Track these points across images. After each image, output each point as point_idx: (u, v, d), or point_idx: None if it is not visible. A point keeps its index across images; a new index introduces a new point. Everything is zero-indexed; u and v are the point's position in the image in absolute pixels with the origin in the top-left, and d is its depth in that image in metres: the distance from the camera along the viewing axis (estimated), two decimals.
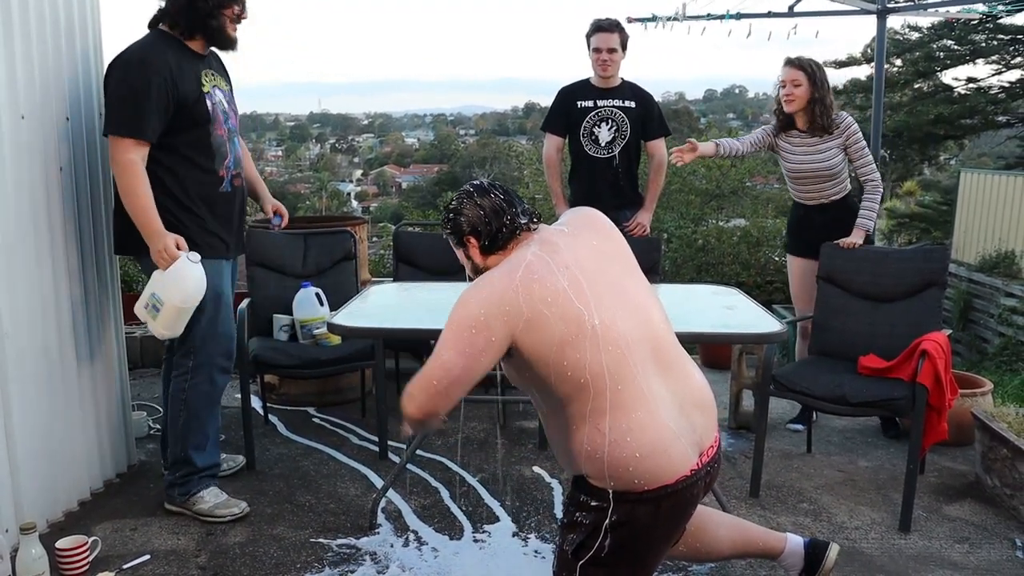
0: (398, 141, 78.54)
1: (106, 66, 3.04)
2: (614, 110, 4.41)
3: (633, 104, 4.43)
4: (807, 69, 3.90)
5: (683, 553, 2.47)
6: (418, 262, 4.55)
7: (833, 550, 2.51)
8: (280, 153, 72.30)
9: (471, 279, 2.17)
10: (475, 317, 1.97)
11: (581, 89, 4.50)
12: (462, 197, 2.20)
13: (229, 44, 3.12)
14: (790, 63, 3.97)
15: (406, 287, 3.83)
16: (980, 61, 17.93)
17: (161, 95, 2.91)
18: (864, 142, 3.98)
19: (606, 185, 4.43)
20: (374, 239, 19.50)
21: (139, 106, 2.90)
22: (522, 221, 2.17)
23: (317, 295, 3.98)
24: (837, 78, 19.54)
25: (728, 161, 15.56)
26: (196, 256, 2.97)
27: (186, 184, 3.04)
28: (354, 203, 47.26)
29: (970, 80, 18.52)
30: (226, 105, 3.18)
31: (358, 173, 64.39)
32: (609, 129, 4.40)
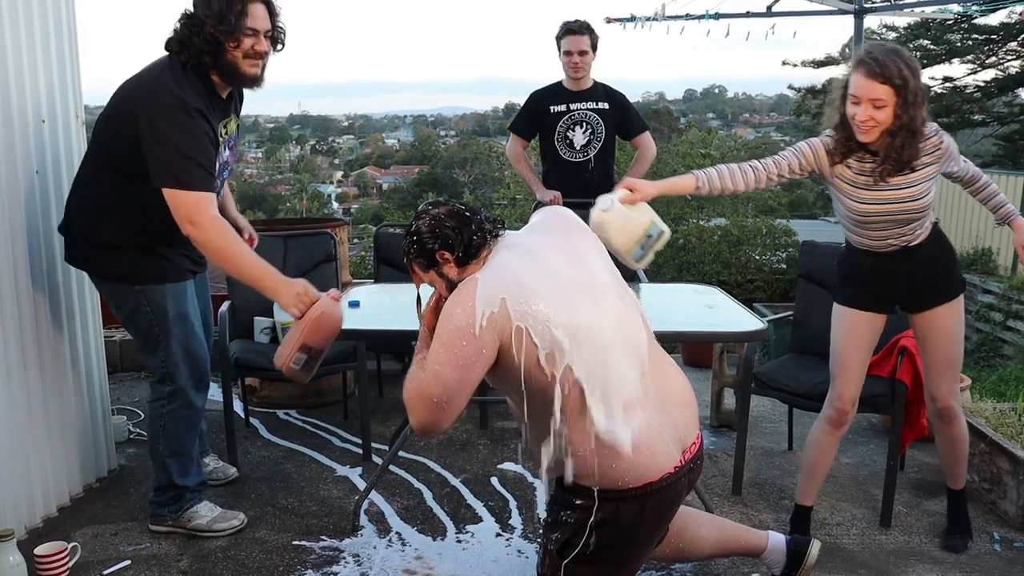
0: (378, 142, 78.35)
1: (135, 105, 2.70)
2: (588, 112, 4.41)
3: (607, 105, 4.44)
4: (895, 82, 2.51)
5: (666, 553, 2.48)
6: (400, 263, 4.53)
7: (815, 547, 2.53)
8: (260, 155, 71.97)
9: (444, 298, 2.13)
10: (463, 329, 1.96)
11: (553, 93, 4.50)
12: (421, 217, 2.17)
13: (246, 82, 2.82)
14: (871, 72, 2.52)
15: (387, 288, 3.82)
16: (956, 60, 18.14)
17: (212, 142, 2.75)
18: (955, 148, 2.75)
19: (581, 189, 4.39)
20: (355, 241, 19.45)
21: (200, 155, 2.69)
22: (488, 227, 2.16)
23: None
24: (815, 78, 19.77)
25: (708, 161, 15.63)
26: (337, 293, 2.79)
27: (153, 226, 2.81)
28: (335, 205, 47.12)
29: (946, 79, 18.71)
30: (228, 154, 2.96)
31: (338, 175, 64.16)
32: (584, 132, 4.40)
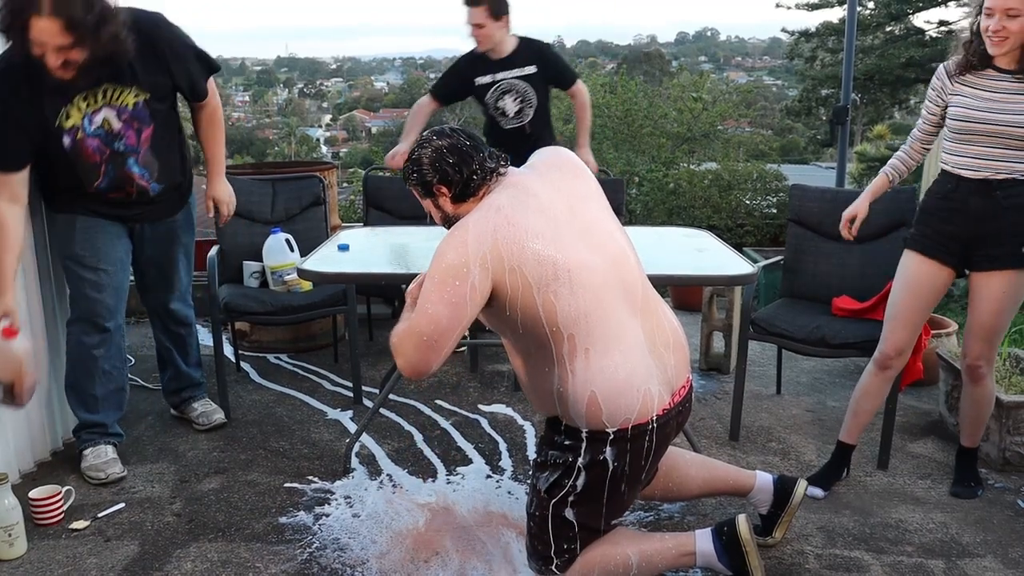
0: (367, 85, 77.47)
1: None
2: (514, 81, 4.25)
3: (534, 69, 4.25)
4: None
5: (654, 492, 2.51)
6: (388, 207, 4.51)
7: (801, 486, 2.56)
8: (247, 98, 71.09)
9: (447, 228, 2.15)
10: (456, 267, 1.97)
11: (475, 64, 4.28)
12: (425, 145, 2.14)
13: (54, 75, 2.61)
14: None
15: (377, 232, 3.80)
16: (951, 3, 17.95)
17: (17, 123, 2.69)
18: None
19: (524, 151, 4.26)
20: (344, 184, 19.34)
21: None
22: (490, 166, 2.14)
23: (287, 241, 3.94)
24: (810, 20, 19.59)
25: (700, 104, 15.53)
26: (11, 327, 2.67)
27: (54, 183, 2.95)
28: (323, 149, 46.69)
29: (941, 23, 18.53)
30: (118, 125, 2.84)
31: (327, 118, 63.52)
32: (514, 100, 4.26)
